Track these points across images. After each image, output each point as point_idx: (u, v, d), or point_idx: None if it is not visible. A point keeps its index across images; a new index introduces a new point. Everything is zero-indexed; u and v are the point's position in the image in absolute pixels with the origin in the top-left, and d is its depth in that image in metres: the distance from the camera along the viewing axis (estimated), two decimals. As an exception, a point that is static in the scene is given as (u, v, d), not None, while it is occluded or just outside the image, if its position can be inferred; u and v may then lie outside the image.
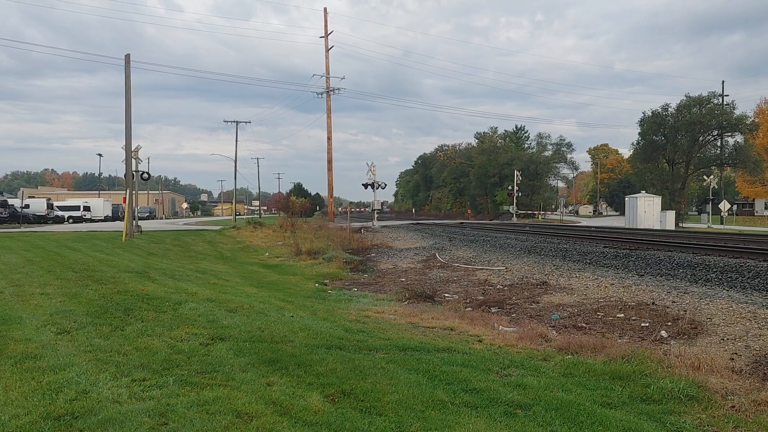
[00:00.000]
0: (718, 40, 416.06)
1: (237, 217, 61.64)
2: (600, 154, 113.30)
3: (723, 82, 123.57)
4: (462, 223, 52.87)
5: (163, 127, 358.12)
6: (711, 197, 54.02)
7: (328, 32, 49.85)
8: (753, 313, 8.34)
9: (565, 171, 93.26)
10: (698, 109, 53.20)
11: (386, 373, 5.32)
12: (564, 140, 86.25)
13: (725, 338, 7.39)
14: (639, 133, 56.91)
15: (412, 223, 50.43)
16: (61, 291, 9.30)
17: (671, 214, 44.13)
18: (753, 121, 55.84)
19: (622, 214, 59.36)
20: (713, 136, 54.31)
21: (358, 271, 17.66)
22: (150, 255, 18.93)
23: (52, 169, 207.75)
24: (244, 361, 5.50)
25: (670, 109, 55.08)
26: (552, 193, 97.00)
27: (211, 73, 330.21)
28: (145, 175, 31.36)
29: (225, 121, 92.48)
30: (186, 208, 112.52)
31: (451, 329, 8.25)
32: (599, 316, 9.26)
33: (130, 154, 26.75)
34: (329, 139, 50.89)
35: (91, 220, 53.83)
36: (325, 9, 50.30)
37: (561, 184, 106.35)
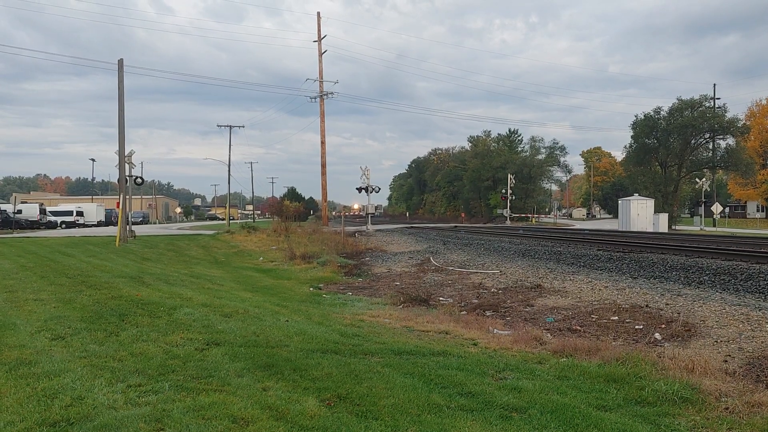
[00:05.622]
0: (712, 42, 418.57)
1: (231, 221, 61.40)
2: (593, 157, 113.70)
3: (714, 85, 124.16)
4: (456, 226, 52.95)
5: (155, 131, 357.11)
6: (703, 200, 54.32)
7: (322, 36, 49.93)
8: (746, 315, 8.40)
9: (559, 174, 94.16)
10: (690, 112, 53.50)
11: (382, 377, 5.33)
12: (557, 143, 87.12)
13: (719, 340, 7.43)
14: (631, 136, 57.23)
15: (406, 227, 50.46)
16: (55, 297, 9.25)
17: (664, 217, 44.35)
18: (744, 123, 56.23)
19: (616, 216, 59.55)
20: (705, 138, 54.63)
21: (352, 275, 17.65)
22: (144, 260, 18.86)
23: (45, 174, 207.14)
24: (240, 366, 5.49)
25: (662, 112, 55.45)
26: (545, 197, 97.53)
27: (203, 77, 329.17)
28: (139, 180, 31.32)
29: (218, 126, 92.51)
30: (180, 212, 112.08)
31: (446, 333, 8.27)
32: (593, 319, 9.30)
33: (123, 158, 26.66)
34: (323, 143, 50.87)
35: (84, 225, 53.58)
36: (318, 14, 50.43)
37: (554, 188, 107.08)
